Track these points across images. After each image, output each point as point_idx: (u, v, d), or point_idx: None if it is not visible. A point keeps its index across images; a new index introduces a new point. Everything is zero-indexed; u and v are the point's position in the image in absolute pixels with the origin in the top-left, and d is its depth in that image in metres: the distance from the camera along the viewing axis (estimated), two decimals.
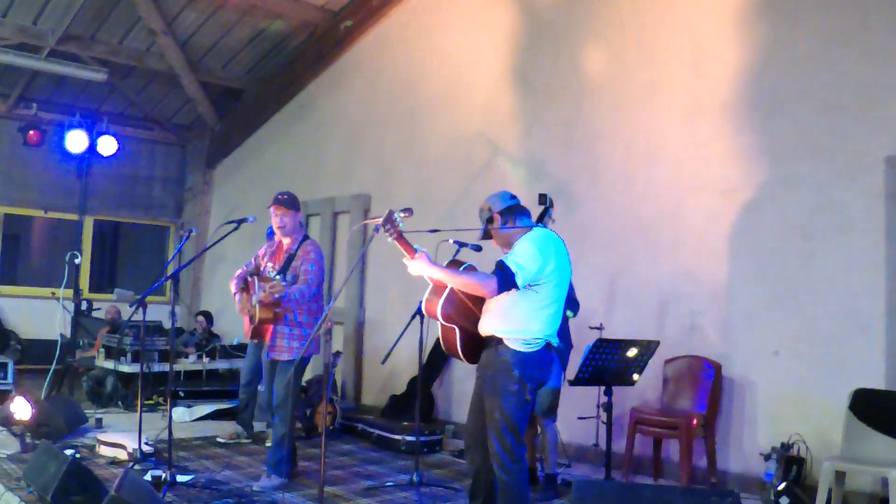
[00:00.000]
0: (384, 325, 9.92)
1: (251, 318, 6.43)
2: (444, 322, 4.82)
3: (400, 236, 4.64)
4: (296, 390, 6.60)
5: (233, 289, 6.70)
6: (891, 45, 6.17)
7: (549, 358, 4.77)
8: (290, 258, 6.50)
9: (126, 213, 13.76)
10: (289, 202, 6.53)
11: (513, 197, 4.96)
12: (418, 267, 4.69)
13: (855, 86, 6.34)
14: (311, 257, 6.43)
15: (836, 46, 6.47)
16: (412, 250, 4.68)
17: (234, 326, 11.89)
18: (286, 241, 6.61)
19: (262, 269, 6.63)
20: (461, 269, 4.87)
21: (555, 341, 4.77)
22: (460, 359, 4.95)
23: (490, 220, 4.90)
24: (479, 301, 4.81)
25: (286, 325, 6.32)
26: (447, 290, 4.79)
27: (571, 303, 6.22)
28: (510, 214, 4.88)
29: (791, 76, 6.72)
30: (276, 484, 6.27)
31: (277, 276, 6.17)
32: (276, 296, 6.04)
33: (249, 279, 6.58)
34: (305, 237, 6.67)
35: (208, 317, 11.22)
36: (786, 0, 6.85)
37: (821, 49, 6.57)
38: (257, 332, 6.49)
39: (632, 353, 5.98)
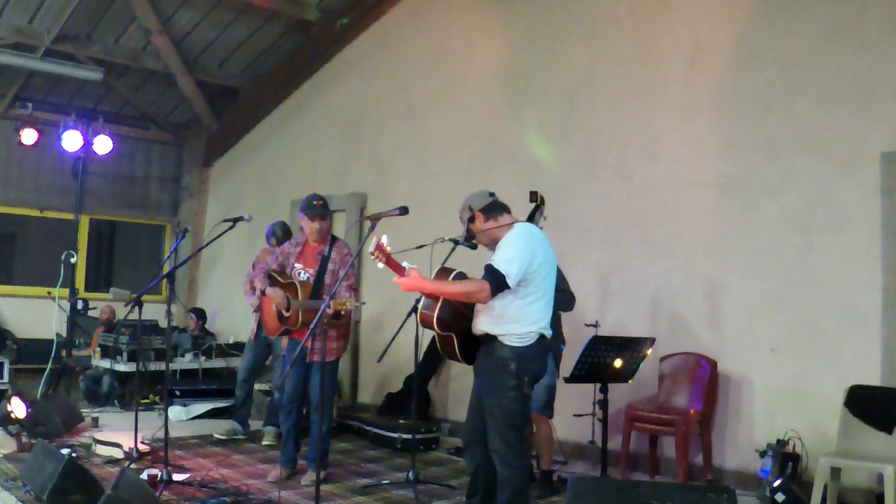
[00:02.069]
0: (380, 324, 9.91)
1: (286, 320, 6.43)
2: (441, 332, 4.87)
3: (389, 259, 4.72)
4: (334, 387, 6.72)
5: (264, 288, 6.52)
6: (887, 39, 6.17)
7: (544, 350, 4.81)
8: (325, 260, 6.48)
9: (122, 212, 13.71)
10: (328, 207, 6.55)
11: (491, 194, 5.01)
12: (410, 284, 4.77)
13: (851, 80, 6.34)
14: (347, 260, 6.46)
15: (831, 41, 6.47)
16: (401, 269, 4.77)
17: (230, 324, 11.91)
18: (315, 242, 6.58)
19: (289, 269, 6.59)
20: (451, 277, 4.92)
21: (548, 333, 4.81)
22: (459, 361, 5.00)
23: (472, 220, 4.93)
24: (472, 303, 4.85)
25: (331, 327, 6.30)
26: (440, 301, 4.84)
27: (567, 297, 6.22)
28: (491, 211, 4.92)
29: (787, 71, 6.72)
30: (323, 477, 6.33)
31: (349, 297, 6.05)
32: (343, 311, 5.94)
33: (280, 279, 6.51)
34: (334, 237, 6.65)
35: (200, 314, 11.17)
36: None
37: (816, 44, 6.57)
38: (288, 333, 6.53)
39: (618, 363, 5.95)
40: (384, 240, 4.72)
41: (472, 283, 4.69)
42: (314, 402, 6.45)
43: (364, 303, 8.12)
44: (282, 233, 8.30)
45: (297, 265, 6.57)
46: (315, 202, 6.46)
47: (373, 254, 4.70)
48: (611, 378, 6.00)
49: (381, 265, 4.75)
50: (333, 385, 6.38)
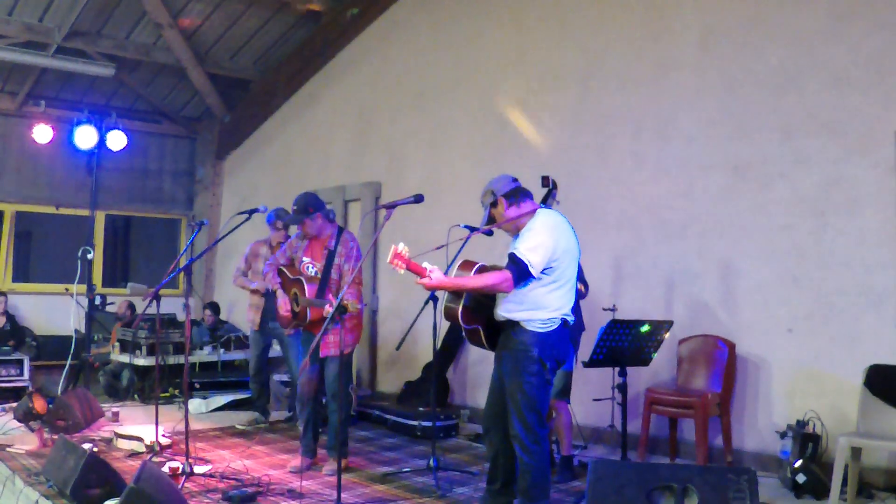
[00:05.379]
0: (398, 312, 9.93)
1: (297, 315, 6.45)
2: (466, 326, 4.90)
3: (409, 264, 4.73)
4: (349, 378, 6.71)
5: (275, 288, 6.60)
6: None
7: (566, 336, 4.82)
8: (331, 255, 6.47)
9: (137, 206, 13.80)
10: (302, 212, 6.40)
11: (514, 180, 4.99)
12: (432, 284, 4.77)
13: (864, 60, 6.29)
14: (353, 254, 6.43)
15: (843, 21, 6.42)
16: (423, 270, 4.76)
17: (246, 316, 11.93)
18: (321, 236, 6.57)
19: (297, 263, 6.60)
20: (473, 270, 4.92)
21: (570, 319, 4.83)
22: (486, 349, 5.04)
23: (494, 205, 4.92)
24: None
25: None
26: (464, 294, 4.86)
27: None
28: (514, 197, 4.91)
29: (799, 52, 6.67)
30: (344, 466, 6.33)
31: (351, 300, 5.86)
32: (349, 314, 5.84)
33: (289, 273, 6.54)
34: (340, 229, 6.63)
35: (215, 308, 11.21)
36: None
37: (828, 24, 6.51)
38: (303, 327, 6.56)
39: (644, 328, 5.95)
40: (401, 247, 4.72)
41: (495, 276, 4.69)
42: (330, 393, 6.51)
43: (366, 304, 8.13)
44: (284, 213, 8.17)
45: (304, 259, 6.59)
46: (294, 209, 6.43)
47: (392, 263, 4.71)
48: (629, 362, 6.00)
49: (402, 272, 4.77)
50: (348, 376, 6.39)
